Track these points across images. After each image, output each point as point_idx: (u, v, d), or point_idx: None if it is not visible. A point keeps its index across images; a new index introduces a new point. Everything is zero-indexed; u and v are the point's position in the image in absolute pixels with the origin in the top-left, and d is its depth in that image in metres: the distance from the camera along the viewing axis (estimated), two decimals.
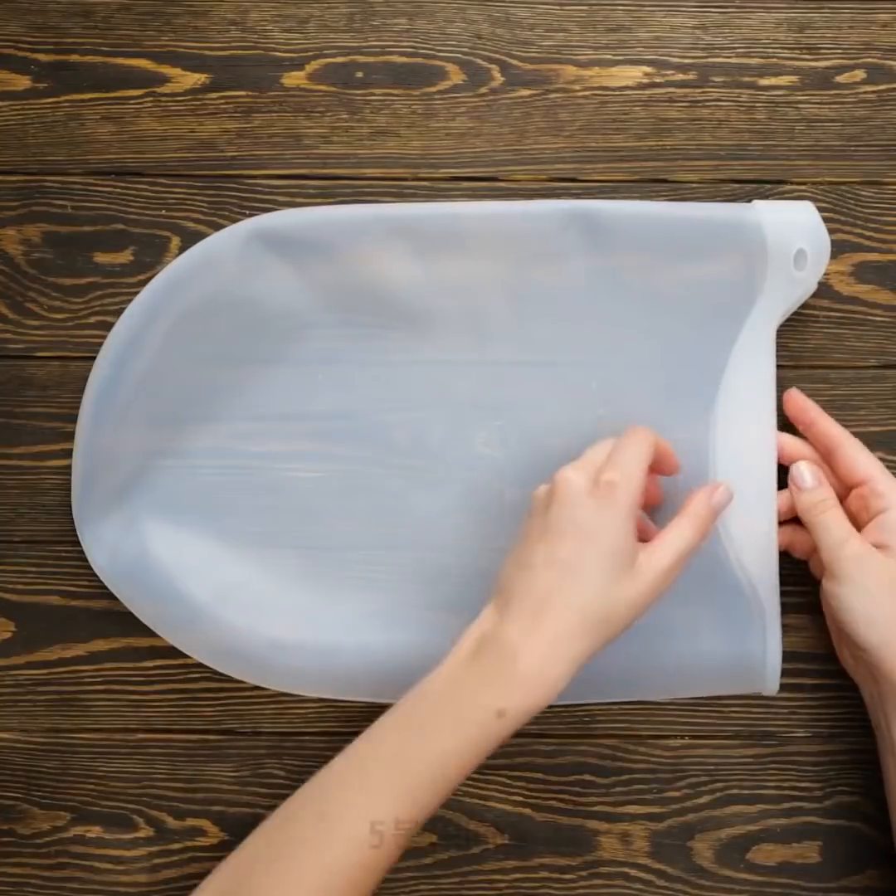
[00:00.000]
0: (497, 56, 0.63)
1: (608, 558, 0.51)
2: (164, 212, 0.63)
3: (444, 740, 0.49)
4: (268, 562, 0.62)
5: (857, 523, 0.59)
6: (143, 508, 0.62)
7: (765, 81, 0.63)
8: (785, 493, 0.60)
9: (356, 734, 0.60)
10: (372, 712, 0.61)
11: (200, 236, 0.63)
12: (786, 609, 0.62)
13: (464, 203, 0.61)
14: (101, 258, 0.63)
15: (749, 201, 0.62)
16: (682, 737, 0.63)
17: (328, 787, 0.50)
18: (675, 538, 0.53)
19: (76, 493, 0.62)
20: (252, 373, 0.62)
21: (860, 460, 0.59)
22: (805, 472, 0.58)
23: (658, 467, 0.57)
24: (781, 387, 0.62)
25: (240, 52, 0.63)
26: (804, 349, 0.63)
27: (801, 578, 0.63)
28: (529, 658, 0.49)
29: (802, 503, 0.58)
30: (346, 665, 0.61)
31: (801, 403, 0.61)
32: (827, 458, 0.60)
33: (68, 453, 0.63)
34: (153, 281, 0.61)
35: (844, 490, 0.60)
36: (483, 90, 0.63)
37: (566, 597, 0.50)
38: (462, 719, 0.49)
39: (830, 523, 0.57)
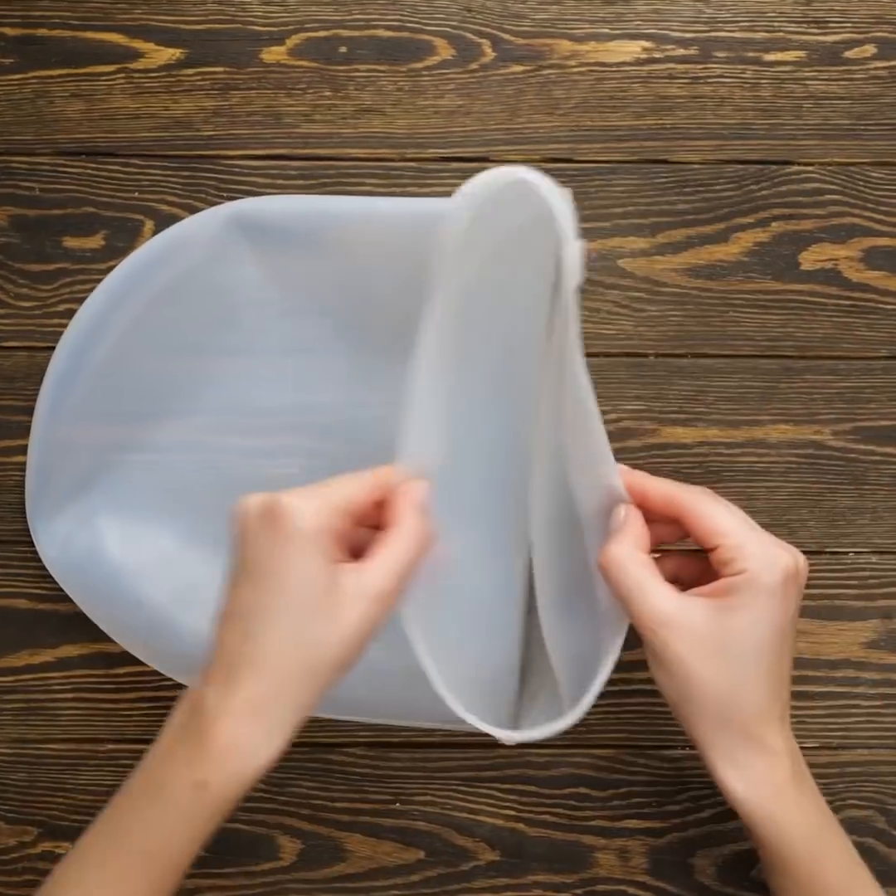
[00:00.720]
0: (488, 30, 0.62)
1: (294, 601, 0.45)
2: (137, 194, 0.62)
3: (150, 818, 0.46)
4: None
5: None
6: (101, 505, 0.59)
7: (770, 57, 0.62)
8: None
9: (339, 745, 0.61)
10: (350, 725, 0.61)
11: (175, 219, 0.61)
12: None
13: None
14: (70, 243, 0.62)
15: (757, 183, 0.61)
16: (684, 747, 0.62)
17: (62, 868, 0.48)
18: (386, 556, 0.47)
19: (30, 488, 0.60)
20: (223, 364, 0.59)
21: (709, 517, 0.49)
22: (618, 508, 0.50)
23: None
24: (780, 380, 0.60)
25: (217, 25, 0.62)
26: (811, 339, 0.62)
27: (808, 582, 0.58)
28: (224, 725, 0.45)
29: (601, 554, 0.50)
30: None
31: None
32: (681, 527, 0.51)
33: None
34: (118, 267, 0.59)
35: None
36: (473, 66, 0.62)
37: (255, 654, 0.45)
38: (165, 795, 0.46)
39: (639, 574, 0.48)
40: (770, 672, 0.48)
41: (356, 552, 0.48)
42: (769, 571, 0.47)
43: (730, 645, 0.47)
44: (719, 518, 0.49)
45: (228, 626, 0.46)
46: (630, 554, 0.48)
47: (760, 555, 0.48)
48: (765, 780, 0.48)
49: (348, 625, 0.46)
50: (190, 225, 0.59)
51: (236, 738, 0.45)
